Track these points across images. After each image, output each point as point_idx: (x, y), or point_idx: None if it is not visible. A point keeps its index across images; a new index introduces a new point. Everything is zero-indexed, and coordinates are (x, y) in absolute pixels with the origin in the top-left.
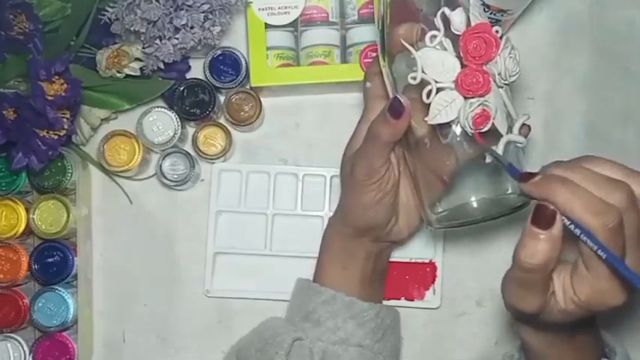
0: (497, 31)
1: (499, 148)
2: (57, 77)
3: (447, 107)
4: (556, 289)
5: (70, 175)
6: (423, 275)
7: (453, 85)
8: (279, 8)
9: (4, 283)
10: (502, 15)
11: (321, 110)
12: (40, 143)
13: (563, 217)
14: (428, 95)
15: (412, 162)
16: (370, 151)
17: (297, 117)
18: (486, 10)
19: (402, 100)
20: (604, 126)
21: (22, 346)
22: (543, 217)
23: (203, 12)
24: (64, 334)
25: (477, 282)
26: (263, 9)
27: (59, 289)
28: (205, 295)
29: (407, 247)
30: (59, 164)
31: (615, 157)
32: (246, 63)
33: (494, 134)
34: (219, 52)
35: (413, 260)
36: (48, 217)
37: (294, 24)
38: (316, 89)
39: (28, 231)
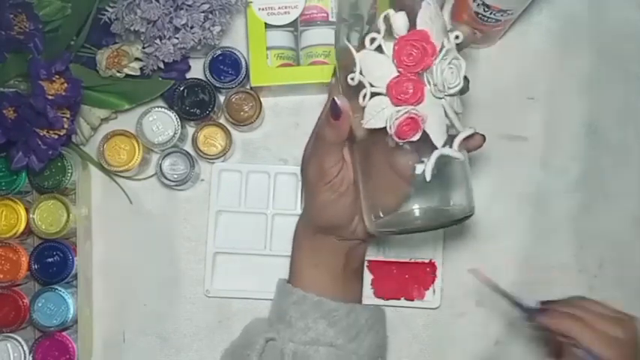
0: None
1: (430, 161)
2: (57, 77)
3: (380, 113)
4: None
5: (70, 175)
6: (422, 275)
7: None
8: (279, 8)
9: (4, 283)
10: (502, 15)
11: (321, 110)
12: (40, 143)
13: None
14: (363, 98)
15: (355, 163)
16: (319, 151)
17: (297, 117)
18: (486, 10)
19: (338, 102)
20: (604, 126)
21: (22, 346)
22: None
23: (203, 12)
24: (64, 333)
25: (477, 282)
26: (263, 9)
27: (59, 288)
28: (205, 295)
29: (407, 247)
30: (59, 164)
31: (615, 157)
32: (246, 63)
33: (429, 147)
34: (219, 52)
35: (413, 260)
36: (48, 217)
37: (294, 24)
38: (316, 89)
39: (28, 231)
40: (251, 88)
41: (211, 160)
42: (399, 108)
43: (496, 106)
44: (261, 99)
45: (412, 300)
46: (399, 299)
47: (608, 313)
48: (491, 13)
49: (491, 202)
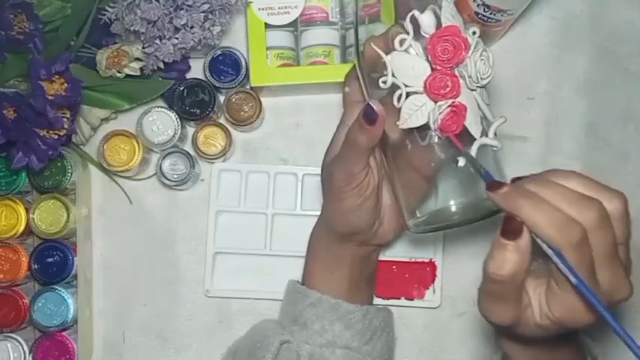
0: (474, 33)
1: (472, 152)
2: (57, 77)
3: (418, 111)
4: (532, 303)
5: (70, 175)
6: (423, 275)
7: (422, 89)
8: (279, 8)
9: (4, 283)
10: (502, 15)
11: (321, 110)
12: (40, 143)
13: (534, 235)
14: (399, 99)
15: (390, 166)
16: (349, 157)
17: (297, 117)
18: (486, 10)
19: (374, 107)
20: (604, 126)
21: (22, 346)
22: (510, 229)
23: (203, 12)
24: (64, 334)
25: (477, 282)
26: (263, 9)
27: (59, 289)
28: (205, 295)
29: (407, 246)
30: (59, 164)
31: (615, 157)
32: (246, 63)
33: (468, 138)
34: (219, 52)
35: (413, 260)
36: (48, 217)
37: (294, 24)
38: (316, 89)
39: (28, 231)
40: (251, 88)
41: (211, 160)
42: (440, 103)
43: (496, 106)
44: (261, 99)
45: (412, 299)
46: (399, 298)
47: (582, 188)
48: (491, 13)
49: None
